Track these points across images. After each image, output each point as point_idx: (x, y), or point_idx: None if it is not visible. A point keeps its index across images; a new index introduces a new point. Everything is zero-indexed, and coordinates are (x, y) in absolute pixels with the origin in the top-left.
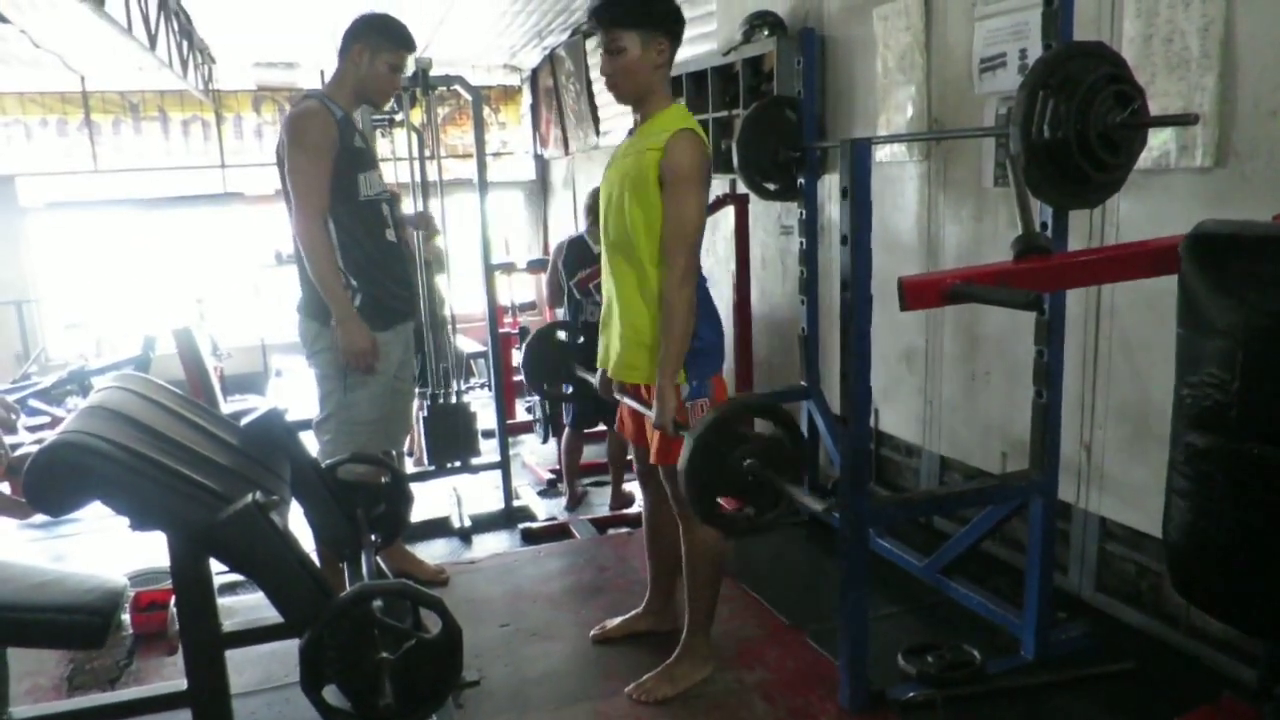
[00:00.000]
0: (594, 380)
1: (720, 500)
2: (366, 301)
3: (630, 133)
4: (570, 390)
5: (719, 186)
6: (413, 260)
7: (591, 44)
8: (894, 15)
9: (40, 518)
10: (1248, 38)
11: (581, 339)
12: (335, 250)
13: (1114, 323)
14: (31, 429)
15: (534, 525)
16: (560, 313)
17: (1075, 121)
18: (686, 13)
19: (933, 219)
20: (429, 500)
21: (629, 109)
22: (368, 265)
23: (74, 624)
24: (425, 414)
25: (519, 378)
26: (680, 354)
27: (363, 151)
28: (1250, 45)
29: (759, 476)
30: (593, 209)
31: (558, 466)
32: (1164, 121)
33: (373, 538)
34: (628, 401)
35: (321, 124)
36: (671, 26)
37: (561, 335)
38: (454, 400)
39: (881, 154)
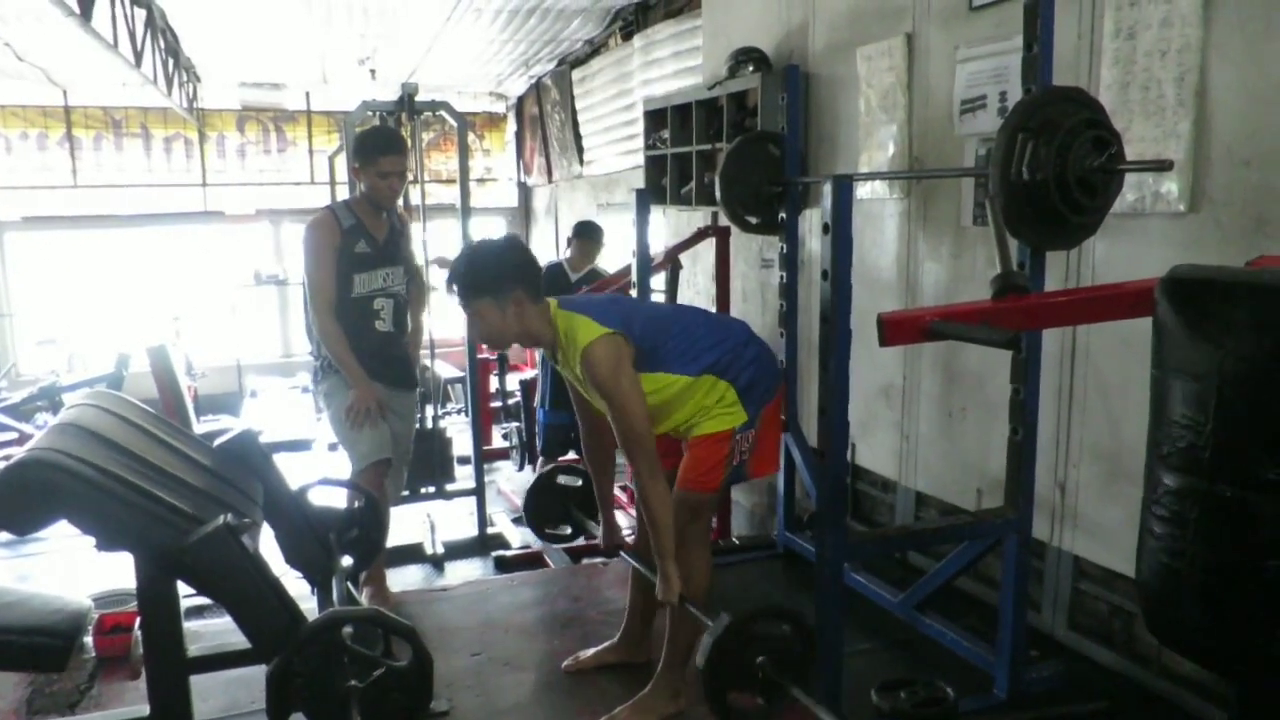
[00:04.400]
0: (598, 529)
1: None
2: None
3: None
4: (571, 530)
5: (701, 218)
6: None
7: (578, 74)
8: (877, 55)
9: (4, 536)
10: (1221, 88)
11: (580, 482)
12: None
13: (1089, 363)
14: None
15: (508, 553)
16: None
17: (1054, 164)
18: (673, 47)
19: (912, 256)
20: (402, 526)
21: (612, 139)
22: (352, 347)
23: (35, 646)
24: None
25: (496, 404)
26: (670, 542)
27: (365, 255)
28: (1224, 95)
29: (770, 675)
30: (580, 234)
31: None
32: (1140, 167)
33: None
34: (634, 563)
35: (326, 231)
36: (518, 277)
37: (561, 480)
38: (430, 425)
39: (863, 191)
